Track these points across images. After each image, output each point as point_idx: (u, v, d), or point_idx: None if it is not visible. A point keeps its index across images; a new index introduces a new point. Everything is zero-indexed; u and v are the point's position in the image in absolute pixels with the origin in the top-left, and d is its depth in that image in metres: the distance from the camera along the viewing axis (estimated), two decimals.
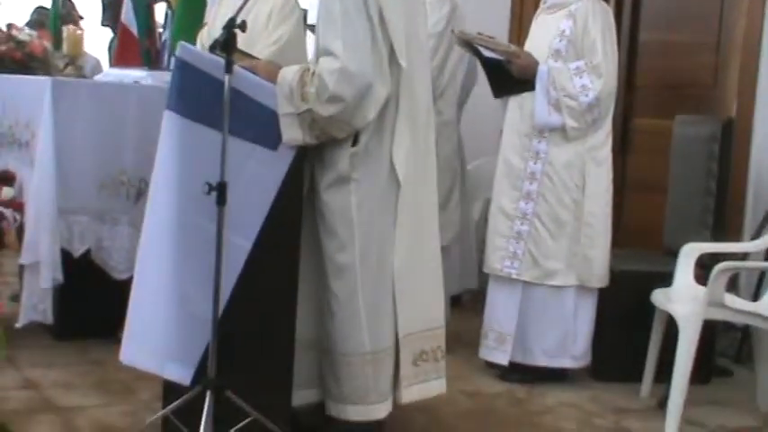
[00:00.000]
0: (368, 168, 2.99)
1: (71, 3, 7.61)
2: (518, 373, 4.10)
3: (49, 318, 3.91)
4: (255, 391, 2.88)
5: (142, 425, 3.17)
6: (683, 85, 5.16)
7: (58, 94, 3.94)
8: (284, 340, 3.00)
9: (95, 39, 7.18)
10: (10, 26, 4.60)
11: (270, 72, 3.01)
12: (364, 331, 3.00)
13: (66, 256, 3.96)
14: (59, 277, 3.89)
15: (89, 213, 4.05)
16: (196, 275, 2.91)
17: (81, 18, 7.59)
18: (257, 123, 2.94)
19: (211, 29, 4.16)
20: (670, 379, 3.57)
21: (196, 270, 2.91)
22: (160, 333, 2.95)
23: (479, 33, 4.16)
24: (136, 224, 3.90)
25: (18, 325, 3.88)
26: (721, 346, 4.47)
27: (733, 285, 4.12)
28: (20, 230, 4.01)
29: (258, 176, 2.94)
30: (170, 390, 3.00)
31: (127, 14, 6.14)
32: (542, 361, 4.09)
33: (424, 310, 3.17)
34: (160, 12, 6.51)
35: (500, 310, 4.13)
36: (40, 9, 7.63)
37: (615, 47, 4.04)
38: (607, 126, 4.04)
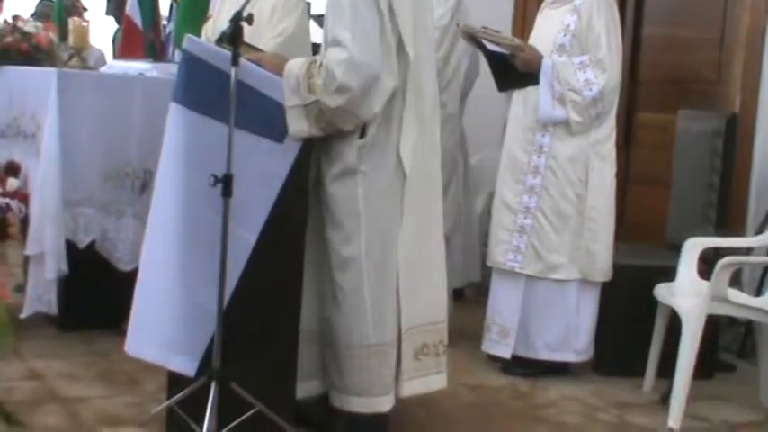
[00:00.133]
0: (375, 160, 3.00)
1: None
2: (521, 366, 4.11)
3: (53, 309, 3.93)
4: (260, 382, 2.89)
5: (147, 416, 3.19)
6: (687, 80, 5.17)
7: (64, 85, 3.95)
8: (289, 332, 3.01)
9: (99, 31, 7.18)
10: (16, 18, 4.61)
11: (276, 65, 3.02)
12: (369, 323, 3.01)
13: (71, 247, 3.98)
14: (64, 268, 3.91)
15: (94, 205, 4.06)
16: (201, 267, 2.92)
17: (85, 10, 7.61)
18: (263, 116, 2.94)
19: (216, 21, 4.17)
20: (673, 373, 3.58)
21: (201, 262, 2.92)
22: (165, 324, 2.96)
23: (484, 27, 4.16)
24: (141, 216, 3.92)
25: (23, 315, 3.90)
26: (724, 341, 4.48)
27: (736, 280, 4.13)
28: (24, 222, 4.03)
29: (264, 169, 2.94)
30: (175, 381, 3.01)
31: (132, 7, 6.17)
32: (545, 354, 4.10)
33: (427, 303, 3.18)
34: (165, 4, 6.52)
35: (503, 303, 4.14)
36: (45, 1, 7.65)
37: (620, 41, 4.04)
38: (611, 120, 4.05)
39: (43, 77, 4.09)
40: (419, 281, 3.13)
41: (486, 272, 4.48)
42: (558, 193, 4.02)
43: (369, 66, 2.87)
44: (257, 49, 3.31)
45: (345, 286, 3.01)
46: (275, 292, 2.99)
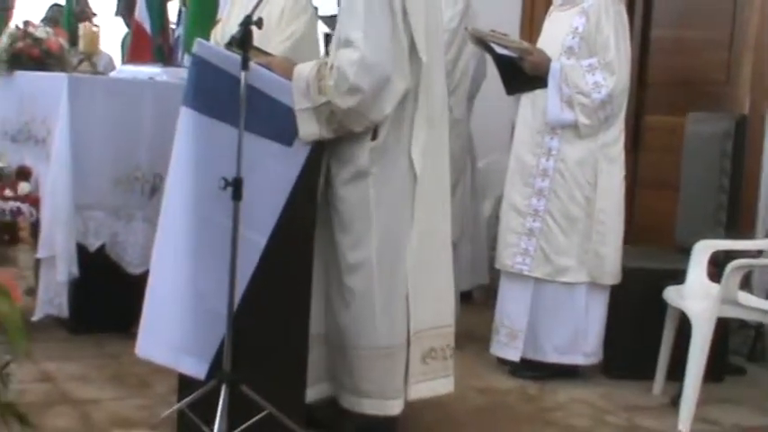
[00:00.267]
0: (386, 163, 3.01)
1: (84, 0, 7.66)
2: (529, 369, 4.11)
3: (64, 312, 3.95)
4: (270, 385, 2.90)
5: (158, 418, 3.19)
6: (696, 82, 5.16)
7: (75, 90, 3.98)
8: (298, 335, 3.02)
9: (107, 35, 7.21)
10: (27, 23, 4.63)
11: (285, 68, 3.03)
12: (379, 326, 3.02)
13: (81, 250, 3.99)
14: (75, 272, 3.93)
15: (104, 209, 4.08)
16: (211, 270, 2.93)
17: (94, 15, 7.64)
18: (273, 120, 2.95)
19: (226, 25, 4.18)
20: (683, 377, 3.58)
21: (211, 265, 2.93)
22: (176, 327, 2.98)
23: (492, 30, 4.17)
24: (150, 219, 3.94)
25: (34, 318, 3.92)
26: (734, 345, 4.47)
27: (746, 283, 4.12)
28: (35, 225, 4.05)
29: (273, 172, 2.95)
30: (185, 384, 3.02)
31: (141, 11, 6.19)
32: (553, 357, 4.10)
33: (435, 307, 3.18)
34: (173, 9, 6.55)
35: (511, 306, 4.14)
36: (54, 6, 7.69)
37: (628, 44, 4.05)
38: (620, 123, 4.05)
39: (54, 82, 4.11)
40: (428, 284, 3.14)
41: (495, 274, 4.48)
42: (566, 196, 4.02)
43: (380, 67, 2.88)
44: (267, 53, 3.32)
45: (355, 289, 3.02)
46: (285, 295, 2.99)
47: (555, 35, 4.12)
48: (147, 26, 6.23)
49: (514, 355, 4.12)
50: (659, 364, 4.01)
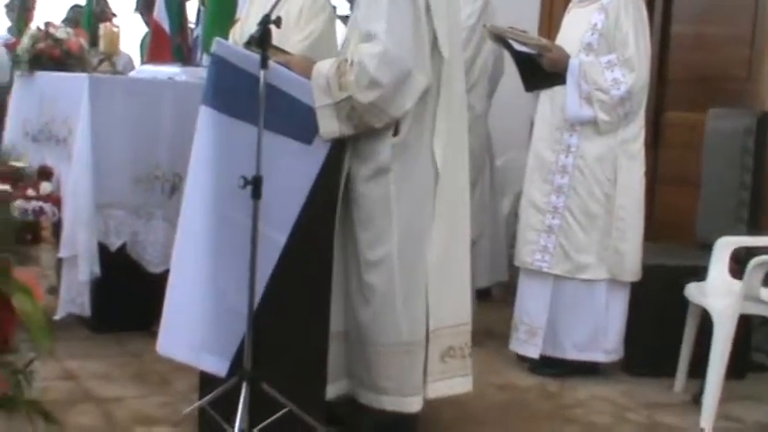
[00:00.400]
0: (407, 159, 3.01)
1: (104, 0, 7.69)
2: (549, 366, 4.11)
3: (86, 310, 3.98)
4: (290, 382, 2.91)
5: (179, 415, 3.21)
6: (716, 78, 5.13)
7: (95, 90, 4.00)
8: (319, 332, 3.03)
9: (127, 35, 7.24)
10: (48, 24, 4.66)
11: (304, 67, 3.03)
12: (400, 322, 3.02)
13: (102, 249, 4.02)
14: (97, 271, 3.96)
15: (125, 208, 4.10)
16: (231, 268, 2.94)
17: (114, 15, 7.66)
18: (292, 118, 2.96)
19: (244, 25, 4.19)
20: (704, 374, 3.57)
21: (231, 263, 2.94)
22: (196, 325, 2.99)
23: (511, 27, 4.16)
24: (170, 218, 3.96)
25: (56, 317, 3.95)
26: (756, 341, 4.43)
27: None
28: (57, 225, 4.08)
29: (293, 170, 2.96)
30: (206, 381, 3.03)
31: (159, 11, 6.20)
32: (572, 354, 4.09)
33: (454, 305, 3.18)
34: (192, 8, 6.56)
35: (531, 303, 4.13)
36: (75, 7, 7.72)
37: (648, 40, 4.03)
38: (640, 119, 4.04)
39: (74, 83, 4.14)
40: (447, 281, 3.14)
41: (514, 272, 4.47)
42: (586, 193, 4.01)
43: (402, 61, 2.88)
44: (285, 52, 3.33)
45: (376, 285, 3.02)
46: (305, 293, 3.00)
47: (574, 32, 4.11)
48: (165, 26, 6.24)
49: (534, 352, 4.11)
50: (681, 361, 3.99)
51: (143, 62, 6.60)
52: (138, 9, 6.82)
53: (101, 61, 4.76)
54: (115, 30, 4.92)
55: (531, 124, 4.35)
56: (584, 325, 4.06)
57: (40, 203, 3.91)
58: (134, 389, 3.59)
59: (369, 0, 2.97)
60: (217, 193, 2.97)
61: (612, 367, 4.19)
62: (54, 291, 4.26)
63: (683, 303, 3.91)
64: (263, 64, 2.83)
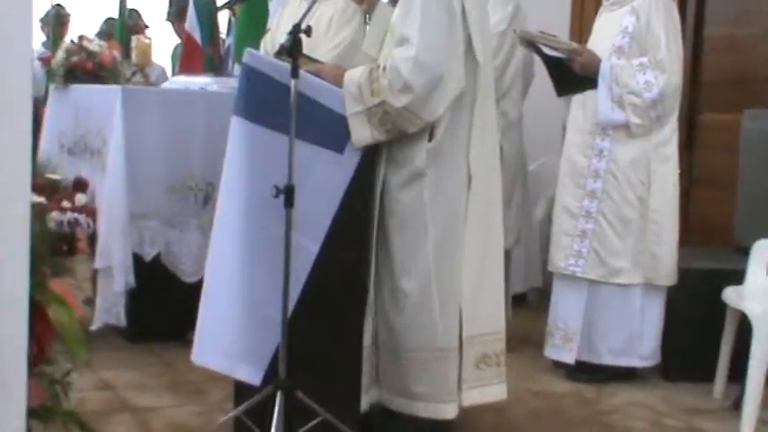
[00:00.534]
0: (441, 164, 3.01)
1: (137, 13, 7.77)
2: (586, 372, 4.08)
3: (122, 321, 4.01)
4: (325, 391, 2.91)
5: (214, 425, 3.23)
6: (751, 79, 5.07)
7: (129, 102, 4.04)
8: (353, 340, 3.03)
9: (160, 46, 7.30)
10: (81, 38, 4.71)
11: (336, 75, 3.04)
12: (436, 328, 3.01)
13: (137, 260, 4.05)
14: (132, 281, 3.99)
15: (159, 218, 4.13)
16: (265, 278, 2.95)
17: (147, 27, 7.74)
18: (323, 126, 2.97)
19: (275, 34, 4.21)
20: (744, 379, 3.52)
21: (265, 272, 2.95)
22: (231, 334, 3.00)
23: (541, 32, 4.15)
24: (204, 228, 3.98)
25: (92, 328, 3.98)
26: None
27: None
28: (92, 236, 4.11)
29: (325, 179, 2.97)
30: (241, 390, 3.04)
31: (191, 23, 6.25)
32: (608, 360, 4.06)
33: (488, 312, 3.17)
34: (223, 19, 6.60)
35: (565, 308, 4.11)
36: (108, 20, 7.80)
37: (680, 42, 4.00)
38: (673, 122, 4.00)
39: (108, 95, 4.18)
40: (480, 288, 3.13)
41: (548, 277, 4.45)
42: (619, 197, 3.98)
43: (434, 66, 2.88)
44: (316, 61, 3.34)
45: (411, 291, 3.01)
46: (339, 301, 3.00)
47: (605, 35, 4.09)
48: (197, 36, 6.28)
49: (569, 358, 4.08)
50: (719, 366, 3.94)
51: (175, 73, 6.65)
52: (169, 18, 6.87)
53: (134, 73, 4.81)
54: (147, 41, 4.96)
55: (564, 129, 4.33)
56: (619, 330, 4.03)
57: (76, 215, 3.95)
58: (169, 398, 3.61)
59: (404, 6, 2.97)
60: (249, 202, 2.98)
61: (650, 373, 4.15)
62: (90, 302, 4.30)
63: (721, 307, 3.87)
64: (294, 73, 2.84)
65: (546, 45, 4.08)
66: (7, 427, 1.71)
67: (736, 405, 3.67)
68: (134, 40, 5.01)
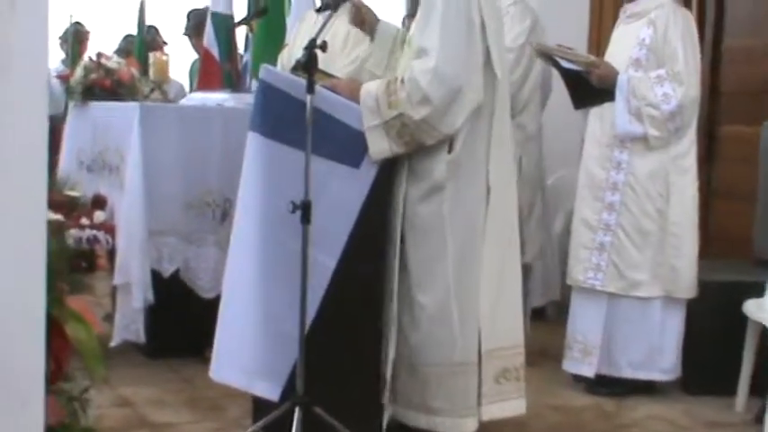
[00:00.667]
0: (460, 177, 3.00)
1: (156, 30, 7.81)
2: (605, 386, 4.05)
3: (141, 337, 4.02)
4: (344, 406, 2.90)
5: None
6: None
7: (146, 118, 4.06)
8: (371, 355, 3.02)
9: (179, 62, 7.34)
10: (100, 55, 4.75)
11: (351, 89, 3.05)
12: (455, 342, 3.01)
13: (155, 276, 4.06)
14: (150, 297, 4.00)
15: (177, 234, 4.14)
16: (282, 293, 2.95)
17: (165, 44, 7.78)
18: (339, 142, 2.97)
19: (292, 50, 4.22)
20: (766, 392, 3.48)
21: (282, 288, 2.95)
22: (248, 350, 3.00)
23: (558, 45, 4.14)
24: (222, 244, 3.98)
25: (112, 344, 3.99)
26: None
27: None
28: (112, 253, 4.13)
29: (341, 194, 2.97)
30: (259, 406, 3.04)
31: (209, 39, 6.28)
32: (628, 373, 4.03)
33: (507, 327, 3.16)
34: (241, 34, 6.63)
35: (584, 322, 4.08)
36: (127, 37, 7.85)
37: (697, 54, 3.98)
38: (691, 134, 3.99)
39: (126, 112, 4.21)
40: (499, 303, 3.12)
41: (567, 290, 4.42)
42: (638, 210, 3.96)
43: (453, 78, 2.88)
44: (332, 76, 3.35)
45: (430, 305, 3.01)
46: (356, 316, 3.00)
47: (622, 47, 4.08)
48: (215, 52, 6.31)
49: (589, 371, 4.06)
50: (741, 379, 3.90)
51: (193, 89, 6.68)
52: (186, 33, 6.91)
53: (152, 90, 4.83)
54: (164, 58, 4.99)
55: (582, 142, 4.31)
56: (639, 343, 4.00)
57: (94, 232, 3.96)
58: (188, 415, 3.60)
59: (424, 16, 2.97)
60: (266, 218, 2.99)
61: (670, 386, 4.11)
62: (109, 318, 4.31)
63: (742, 320, 3.83)
64: (310, 88, 2.85)
65: (563, 58, 4.07)
66: None
67: (759, 419, 3.63)
68: (151, 56, 5.04)
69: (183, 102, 4.89)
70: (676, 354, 4.03)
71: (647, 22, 3.99)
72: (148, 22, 7.75)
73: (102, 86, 4.57)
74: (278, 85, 3.02)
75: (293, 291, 2.87)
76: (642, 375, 4.04)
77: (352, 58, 3.97)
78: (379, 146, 2.95)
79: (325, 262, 2.95)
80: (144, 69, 5.39)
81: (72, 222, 3.94)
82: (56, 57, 7.71)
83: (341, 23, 4.07)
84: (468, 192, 3.03)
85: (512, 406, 3.17)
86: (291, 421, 2.82)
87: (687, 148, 3.98)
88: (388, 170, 3.03)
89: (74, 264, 3.56)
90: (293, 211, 2.83)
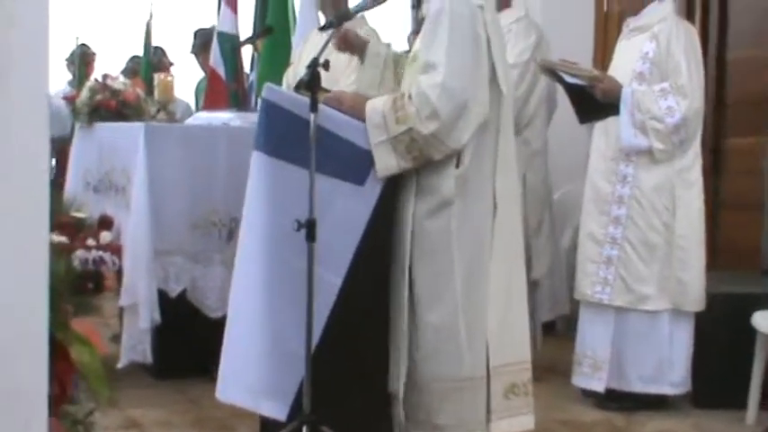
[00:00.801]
0: (468, 192, 2.99)
1: (162, 50, 7.85)
2: (615, 400, 4.03)
3: (148, 358, 4.01)
4: (352, 425, 2.89)
5: None
6: None
7: (151, 138, 4.07)
8: (379, 373, 3.01)
9: (185, 81, 7.37)
10: (105, 76, 4.77)
11: (356, 101, 3.04)
12: (463, 357, 2.99)
13: (162, 296, 4.06)
14: (157, 318, 3.99)
15: (183, 254, 4.14)
16: (288, 312, 2.94)
17: (171, 64, 7.82)
18: (343, 159, 2.97)
19: (297, 68, 4.24)
20: None
21: (288, 307, 2.94)
22: (255, 370, 2.99)
23: (562, 60, 4.14)
24: (229, 263, 3.95)
25: (119, 365, 3.98)
26: None
27: None
28: (119, 273, 4.13)
29: (346, 212, 2.96)
30: (267, 426, 3.03)
31: (215, 59, 6.31)
32: (638, 387, 4.01)
33: (514, 342, 3.14)
34: (247, 54, 6.66)
35: (593, 336, 4.07)
36: (134, 58, 7.90)
37: (700, 67, 3.98)
38: (696, 147, 3.98)
39: (131, 132, 4.21)
40: (506, 318, 3.10)
41: (575, 305, 4.41)
42: (644, 223, 3.95)
43: (460, 92, 2.88)
44: None
45: (437, 321, 2.99)
46: (363, 334, 2.99)
47: (625, 61, 4.08)
48: (221, 72, 6.34)
49: (598, 386, 4.04)
50: (751, 392, 3.88)
51: (199, 108, 6.70)
52: (193, 51, 6.94)
53: (158, 110, 4.85)
54: (169, 79, 5.01)
55: (588, 156, 4.31)
56: (648, 357, 3.99)
57: (101, 253, 3.96)
58: None
59: (430, 31, 2.97)
60: (271, 236, 2.98)
61: (680, 400, 4.09)
62: (117, 339, 4.31)
63: (751, 332, 3.81)
64: (313, 107, 2.85)
65: (567, 72, 4.08)
66: None
67: None
68: (156, 78, 5.06)
69: (189, 121, 4.91)
70: (686, 367, 4.01)
71: (649, 36, 4.00)
72: (155, 41, 7.79)
73: (107, 107, 4.59)
74: (281, 104, 3.01)
75: (299, 309, 2.86)
76: (653, 389, 4.02)
77: (355, 78, 3.97)
78: (387, 162, 2.94)
79: (330, 280, 2.94)
80: (149, 90, 5.41)
81: (78, 243, 3.95)
82: (62, 78, 7.76)
83: None
84: (475, 207, 3.02)
85: (521, 421, 3.15)
86: None
87: (692, 161, 3.98)
88: (393, 187, 3.02)
89: (81, 285, 3.57)
90: (298, 230, 2.82)
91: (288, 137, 2.97)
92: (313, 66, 2.89)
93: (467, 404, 3.02)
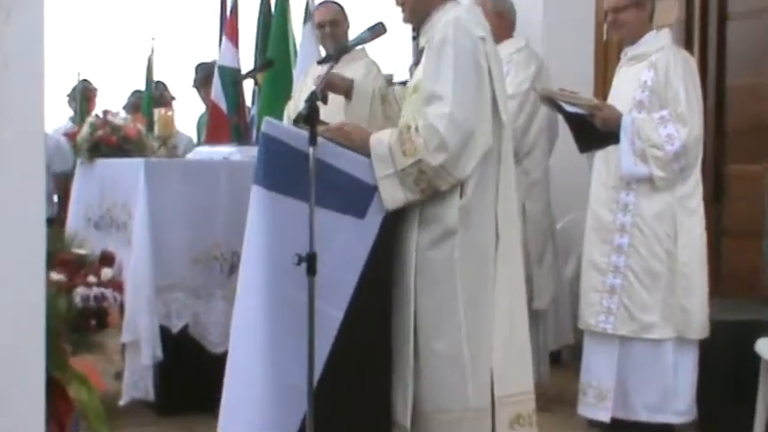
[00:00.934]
0: (471, 222, 2.99)
1: (164, 85, 7.89)
2: (621, 430, 4.00)
3: (150, 394, 3.99)
4: None
5: None
6: None
7: (151, 174, 4.08)
8: (380, 407, 2.99)
9: (187, 114, 7.41)
10: (106, 112, 4.79)
11: (363, 137, 3.05)
12: (468, 388, 2.97)
13: (164, 332, 4.04)
14: (159, 354, 3.98)
15: (185, 289, 4.14)
16: (290, 346, 2.93)
17: (173, 99, 7.85)
18: (343, 193, 2.97)
19: (297, 102, 4.26)
20: None
21: (290, 341, 2.93)
22: (256, 404, 2.97)
23: (561, 89, 4.16)
24: (230, 298, 3.94)
25: (121, 402, 3.96)
26: None
27: None
28: (122, 309, 4.12)
29: (347, 245, 2.96)
30: None
31: (217, 93, 6.34)
32: (644, 416, 3.98)
33: (519, 372, 3.13)
34: (249, 87, 6.69)
35: (598, 366, 4.05)
36: (135, 92, 7.93)
37: (699, 94, 4.00)
38: (696, 174, 3.98)
39: (132, 168, 4.23)
40: (510, 349, 3.09)
41: (579, 334, 4.39)
42: (646, 251, 3.95)
43: (466, 122, 2.90)
44: None
45: (442, 352, 2.98)
46: (365, 368, 2.97)
47: (624, 90, 4.09)
48: (222, 105, 6.37)
49: (604, 416, 4.01)
50: (756, 420, 3.85)
51: (201, 142, 6.72)
52: (195, 85, 6.98)
53: (160, 145, 4.86)
54: (169, 114, 5.02)
55: (589, 185, 4.31)
56: (653, 386, 3.96)
57: (102, 290, 3.95)
58: None
59: (434, 62, 2.98)
60: (272, 271, 2.97)
61: (686, 428, 4.06)
62: (120, 376, 4.28)
63: (755, 359, 3.79)
64: (312, 141, 2.85)
65: (566, 102, 4.09)
66: None
67: None
68: (156, 113, 5.08)
69: (190, 156, 4.92)
70: (691, 395, 3.99)
71: (648, 65, 4.01)
72: (157, 75, 7.82)
73: (108, 143, 4.60)
74: (280, 138, 3.02)
75: (300, 343, 2.85)
76: (658, 418, 3.99)
77: (344, 115, 3.98)
78: (394, 195, 2.94)
79: (332, 313, 2.94)
80: (150, 125, 5.43)
81: (79, 280, 3.94)
82: (64, 114, 7.79)
83: (345, 75, 4.10)
84: (478, 237, 3.02)
85: None
86: None
87: (693, 189, 3.98)
88: (394, 219, 3.02)
89: (83, 322, 3.56)
90: (298, 263, 2.82)
91: (287, 170, 2.98)
92: (311, 99, 2.90)
93: None
